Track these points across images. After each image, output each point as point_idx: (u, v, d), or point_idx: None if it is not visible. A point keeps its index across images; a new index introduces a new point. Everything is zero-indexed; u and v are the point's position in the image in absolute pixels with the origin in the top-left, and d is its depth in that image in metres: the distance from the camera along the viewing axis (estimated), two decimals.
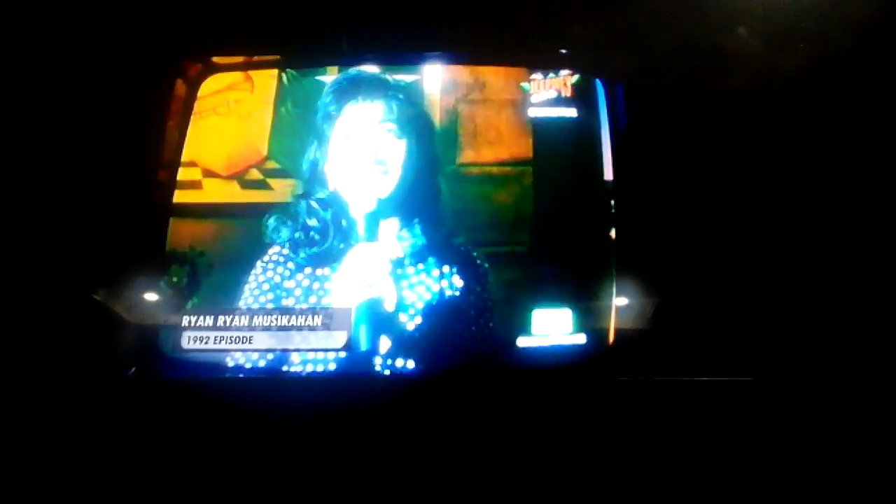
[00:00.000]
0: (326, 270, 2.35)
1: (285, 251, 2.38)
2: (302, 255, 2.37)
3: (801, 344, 2.23)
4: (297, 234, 2.38)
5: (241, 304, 2.32)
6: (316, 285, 2.34)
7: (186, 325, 2.27)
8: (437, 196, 2.43)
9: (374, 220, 2.37)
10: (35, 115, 2.45)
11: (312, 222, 2.38)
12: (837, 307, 2.26)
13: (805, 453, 2.08)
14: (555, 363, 2.28)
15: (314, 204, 2.40)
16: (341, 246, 2.37)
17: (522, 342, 2.31)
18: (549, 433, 2.14)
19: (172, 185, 2.47)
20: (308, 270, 2.36)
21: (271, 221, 2.40)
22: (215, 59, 2.58)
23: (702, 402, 2.14)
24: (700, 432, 2.12)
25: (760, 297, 2.30)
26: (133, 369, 2.27)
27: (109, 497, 2.09)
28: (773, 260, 2.33)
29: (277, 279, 2.35)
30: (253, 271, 2.36)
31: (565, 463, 2.11)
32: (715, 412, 2.13)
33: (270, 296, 2.33)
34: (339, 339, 2.25)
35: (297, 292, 2.33)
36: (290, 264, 2.36)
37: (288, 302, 2.32)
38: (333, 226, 2.37)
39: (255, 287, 2.34)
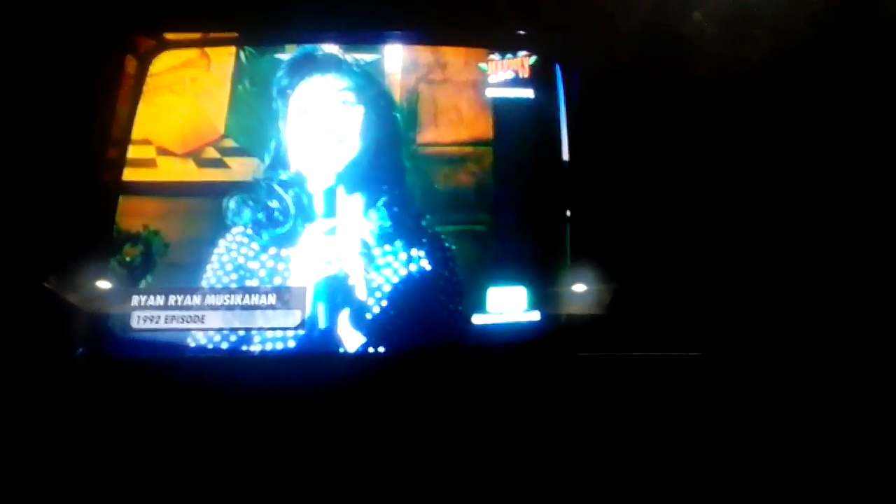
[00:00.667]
0: (291, 251, 2.32)
1: (248, 232, 2.34)
2: (265, 236, 2.33)
3: (748, 319, 2.29)
4: (259, 216, 2.35)
5: (204, 283, 2.28)
6: (281, 266, 2.30)
7: (136, 304, 2.22)
8: (403, 174, 2.42)
9: (335, 196, 2.35)
10: None
11: (274, 203, 2.35)
12: (786, 283, 2.32)
13: (752, 426, 2.13)
14: (509, 340, 2.31)
15: (275, 185, 2.37)
16: (304, 226, 2.35)
17: (478, 319, 2.32)
18: (505, 410, 2.15)
19: (122, 163, 2.41)
20: (272, 251, 2.32)
21: (232, 203, 2.36)
22: (168, 35, 2.52)
23: (652, 377, 2.18)
24: (650, 406, 2.15)
25: (710, 275, 2.35)
26: (81, 349, 2.22)
27: (57, 479, 2.04)
28: (722, 238, 2.39)
29: (241, 260, 2.31)
30: (216, 251, 2.32)
31: (522, 439, 2.12)
32: (665, 386, 2.17)
33: (234, 276, 2.29)
34: (294, 317, 2.23)
35: (262, 273, 2.30)
36: (254, 245, 2.33)
37: (252, 283, 2.28)
38: (296, 206, 2.35)
39: (219, 268, 2.30)
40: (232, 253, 2.32)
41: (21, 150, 2.35)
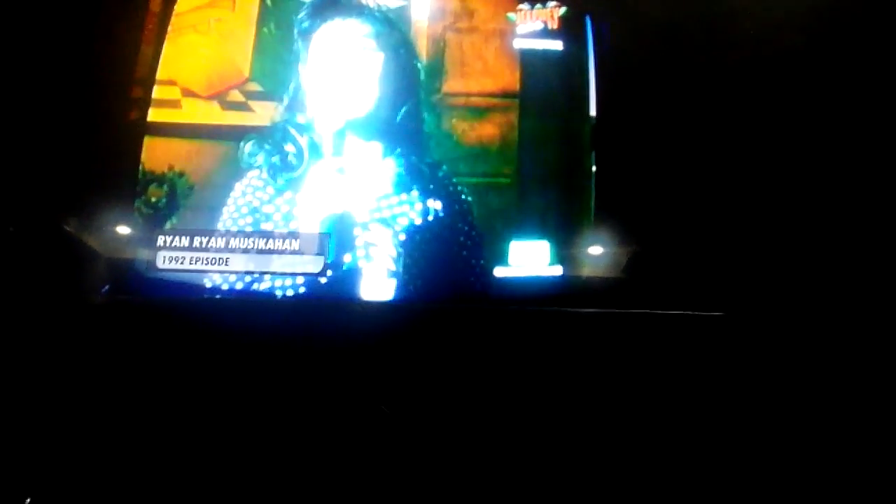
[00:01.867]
0: (305, 195, 2.32)
1: (264, 175, 2.34)
2: (280, 179, 2.34)
3: (771, 280, 2.28)
4: (274, 159, 2.35)
5: (220, 226, 2.30)
6: (296, 210, 2.31)
7: (162, 244, 2.23)
8: (420, 124, 2.41)
9: (352, 142, 2.34)
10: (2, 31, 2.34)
11: (290, 147, 2.35)
12: (808, 246, 2.31)
13: (774, 387, 2.14)
14: (531, 294, 2.31)
15: (291, 129, 2.36)
16: (329, 169, 2.35)
17: (500, 272, 2.33)
18: (523, 364, 2.16)
19: (147, 102, 2.41)
20: (288, 195, 2.33)
21: (248, 146, 2.36)
22: None
23: (672, 336, 2.19)
24: (670, 365, 2.17)
25: (734, 234, 2.34)
26: (107, 288, 2.23)
27: (82, 421, 2.07)
28: (747, 199, 2.37)
29: (256, 203, 2.32)
30: (232, 194, 2.33)
31: (540, 395, 2.14)
32: (685, 345, 2.18)
33: (249, 219, 2.31)
34: (316, 263, 2.24)
35: (277, 217, 2.31)
36: (270, 189, 2.33)
37: (267, 226, 2.30)
38: (311, 150, 2.34)
39: (234, 210, 2.31)
40: (248, 196, 2.33)
41: (46, 89, 2.33)
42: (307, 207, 2.31)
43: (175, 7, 2.46)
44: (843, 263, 2.28)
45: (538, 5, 2.50)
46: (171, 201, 2.33)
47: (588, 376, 2.16)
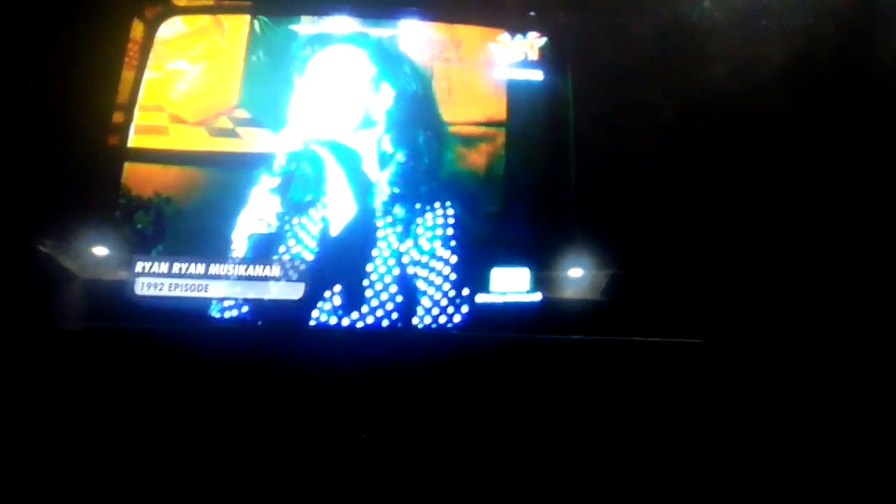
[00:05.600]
0: (306, 219, 2.33)
1: (269, 200, 2.34)
2: (282, 205, 2.34)
3: (750, 308, 2.31)
4: (277, 185, 2.36)
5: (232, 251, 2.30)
6: (294, 237, 2.32)
7: (141, 271, 2.22)
8: (416, 148, 2.42)
9: (346, 166, 2.36)
10: None
11: (293, 173, 2.36)
12: (788, 273, 2.36)
13: (749, 414, 2.16)
14: (510, 320, 2.32)
15: (293, 154, 2.37)
16: (321, 195, 2.36)
17: (481, 298, 2.33)
18: (501, 391, 2.16)
19: (128, 127, 2.40)
20: (295, 220, 2.33)
21: (253, 172, 2.37)
22: (176, 0, 2.51)
23: (652, 363, 2.21)
24: (648, 392, 2.18)
25: (713, 263, 2.37)
26: (84, 315, 2.19)
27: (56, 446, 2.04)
28: (726, 227, 2.40)
29: (263, 228, 2.33)
30: (238, 219, 2.33)
31: (517, 421, 2.14)
32: (664, 372, 2.20)
33: (251, 244, 2.31)
34: (296, 290, 2.24)
35: (278, 242, 2.32)
36: (272, 214, 2.33)
37: (268, 252, 2.31)
38: (311, 176, 2.35)
39: (241, 236, 2.32)
40: (253, 221, 2.32)
41: (26, 113, 2.33)
42: (304, 233, 2.32)
43: (163, 34, 2.47)
44: (823, 291, 2.32)
45: (518, 36, 2.54)
46: (157, 227, 2.31)
47: (564, 404, 2.16)
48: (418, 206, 2.35)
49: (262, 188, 2.34)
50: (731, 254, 2.38)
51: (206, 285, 2.23)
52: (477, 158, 2.47)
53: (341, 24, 2.49)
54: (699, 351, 2.25)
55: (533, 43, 2.54)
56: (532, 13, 2.58)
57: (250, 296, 2.24)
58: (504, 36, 2.54)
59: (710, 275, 2.36)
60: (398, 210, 2.33)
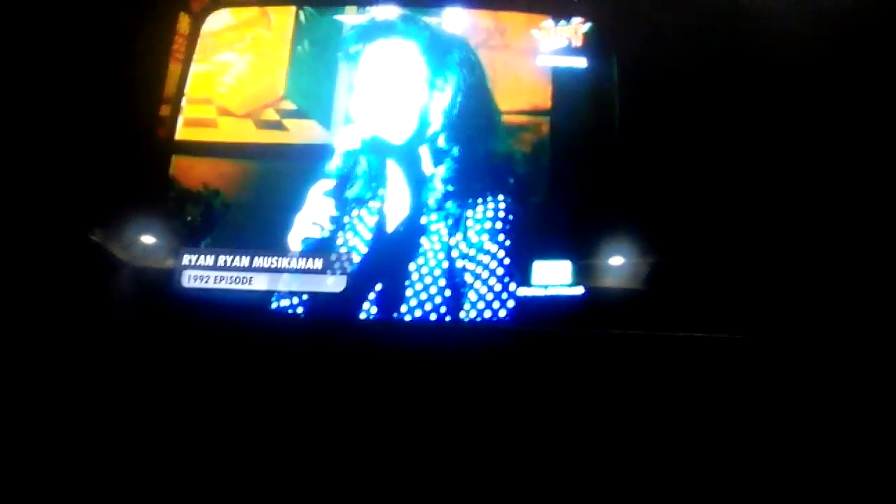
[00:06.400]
0: (359, 215, 2.33)
1: (327, 192, 2.34)
2: (339, 206, 2.34)
3: (795, 304, 2.25)
4: (334, 186, 2.35)
5: (292, 233, 2.31)
6: (355, 229, 2.32)
7: (187, 263, 2.26)
8: (470, 140, 2.38)
9: (399, 162, 2.35)
10: (33, 51, 2.38)
11: (348, 166, 2.35)
12: (834, 270, 2.30)
13: (793, 409, 2.12)
14: (553, 314, 2.29)
15: (349, 153, 2.36)
16: (375, 189, 2.35)
17: (523, 292, 2.30)
18: (545, 385, 2.15)
19: (174, 120, 2.44)
20: (354, 212, 2.33)
21: (302, 164, 2.38)
22: None
23: (694, 358, 2.17)
24: (692, 387, 2.15)
25: (758, 258, 2.32)
26: (132, 306, 2.26)
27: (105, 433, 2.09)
28: (775, 221, 2.34)
29: (316, 232, 2.33)
30: (294, 220, 2.34)
31: (558, 416, 2.13)
32: (706, 368, 2.16)
33: (316, 227, 2.32)
34: (339, 282, 2.26)
35: (333, 234, 2.32)
36: (327, 207, 2.34)
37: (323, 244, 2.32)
38: (365, 171, 2.35)
39: (299, 227, 2.32)
40: (312, 213, 2.33)
41: (73, 108, 2.37)
42: (357, 227, 2.33)
43: (210, 26, 2.49)
44: (870, 288, 2.25)
45: (563, 22, 2.49)
46: (206, 220, 2.35)
47: (603, 399, 2.14)
48: (469, 199, 2.32)
49: (317, 190, 2.33)
50: (778, 248, 2.32)
51: (251, 277, 2.26)
52: (522, 148, 2.43)
53: (387, 12, 2.46)
54: (744, 347, 2.20)
55: (577, 28, 2.49)
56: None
57: (294, 288, 2.26)
58: (548, 22, 2.49)
59: (757, 269, 2.31)
60: (450, 205, 2.31)
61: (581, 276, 2.33)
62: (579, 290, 2.32)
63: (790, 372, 2.15)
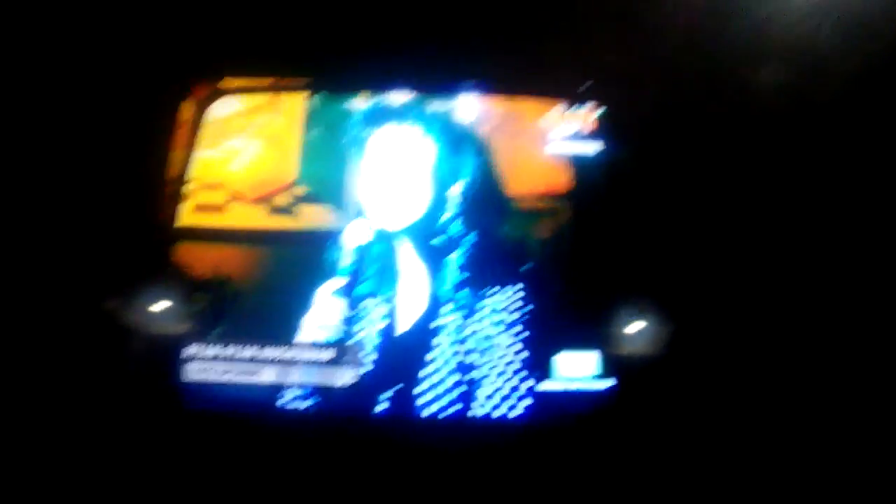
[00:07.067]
0: (374, 304, 2.25)
1: (337, 292, 2.26)
2: (351, 294, 2.26)
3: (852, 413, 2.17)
4: (348, 266, 2.27)
5: (300, 336, 2.23)
6: (371, 319, 2.24)
7: (192, 355, 2.17)
8: (487, 232, 2.32)
9: (414, 250, 2.28)
10: (40, 137, 2.35)
11: (359, 261, 2.27)
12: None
13: None
14: (578, 408, 2.19)
15: (356, 236, 2.29)
16: (387, 281, 2.28)
17: (545, 386, 2.20)
18: (569, 489, 2.07)
19: (176, 204, 2.38)
20: (365, 302, 2.25)
21: (329, 253, 2.30)
22: (225, 82, 2.50)
23: (727, 464, 2.08)
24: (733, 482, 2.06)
25: (793, 346, 2.25)
26: (136, 400, 2.16)
27: None
28: (813, 307, 2.29)
29: (334, 311, 2.24)
30: (310, 303, 2.26)
31: None
32: (745, 461, 2.08)
33: (327, 328, 2.23)
34: (348, 375, 2.16)
35: (344, 326, 2.23)
36: (342, 305, 2.25)
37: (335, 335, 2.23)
38: (379, 261, 2.28)
39: (310, 321, 2.24)
40: (319, 307, 2.24)
41: (75, 193, 2.32)
42: (375, 316, 2.25)
43: (218, 112, 2.47)
44: None
45: (574, 107, 2.48)
46: (216, 308, 2.26)
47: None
48: (483, 289, 2.25)
49: (327, 288, 2.25)
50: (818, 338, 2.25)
51: (258, 370, 2.17)
52: (539, 233, 2.37)
53: (399, 97, 2.44)
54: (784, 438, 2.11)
55: (590, 113, 2.47)
56: (589, 83, 2.51)
57: (302, 381, 2.17)
58: (561, 107, 2.48)
59: (797, 361, 2.22)
60: (463, 294, 2.23)
61: (608, 366, 2.23)
62: (607, 384, 2.21)
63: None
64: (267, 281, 2.30)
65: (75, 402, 2.12)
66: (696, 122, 2.43)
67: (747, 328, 2.26)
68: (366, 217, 2.30)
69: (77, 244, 2.27)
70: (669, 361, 2.23)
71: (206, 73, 2.48)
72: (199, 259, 2.33)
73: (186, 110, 2.46)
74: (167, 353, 2.19)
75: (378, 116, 2.38)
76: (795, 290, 2.30)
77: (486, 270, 2.26)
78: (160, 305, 2.25)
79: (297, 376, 2.17)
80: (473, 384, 2.15)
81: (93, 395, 2.13)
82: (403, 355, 2.18)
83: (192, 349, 2.18)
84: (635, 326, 2.29)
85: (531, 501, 2.05)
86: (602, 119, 2.47)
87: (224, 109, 2.48)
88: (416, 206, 2.28)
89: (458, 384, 2.15)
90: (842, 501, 2.05)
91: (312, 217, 2.38)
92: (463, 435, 2.12)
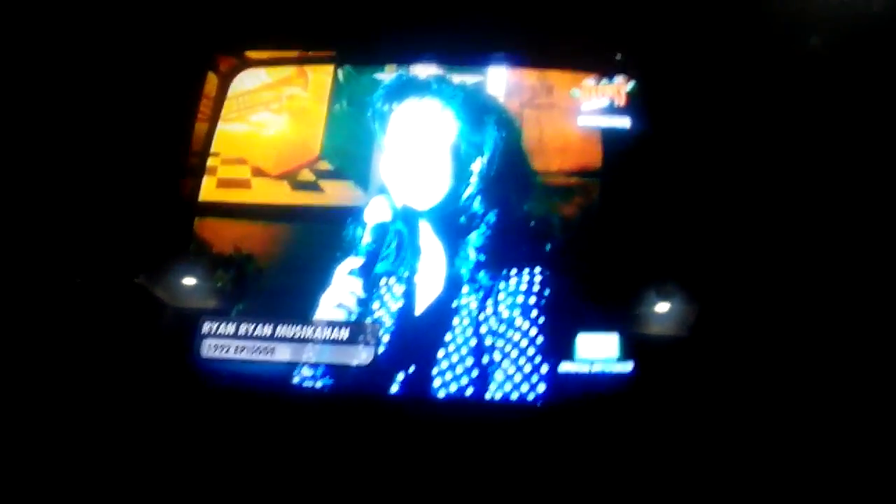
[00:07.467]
0: (392, 282, 2.22)
1: (354, 271, 2.19)
2: (370, 273, 2.20)
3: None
4: (368, 245, 2.21)
5: (317, 315, 2.18)
6: (389, 297, 2.21)
7: (207, 332, 2.17)
8: (510, 210, 2.24)
9: (430, 230, 2.23)
10: (63, 110, 2.38)
11: (379, 239, 2.21)
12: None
13: None
14: (598, 391, 2.11)
15: (377, 214, 2.23)
16: (407, 259, 2.23)
17: (565, 367, 2.12)
18: (586, 470, 2.03)
19: (199, 181, 2.38)
20: (383, 281, 2.22)
21: (349, 230, 2.26)
22: (250, 53, 2.47)
23: (748, 442, 2.02)
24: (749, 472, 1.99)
25: (813, 333, 2.14)
26: (150, 374, 2.17)
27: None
28: (840, 294, 2.18)
29: (346, 291, 2.19)
30: (328, 282, 2.21)
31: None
32: (764, 452, 2.01)
33: (342, 310, 2.18)
34: (365, 354, 2.13)
35: (363, 305, 2.18)
36: (360, 284, 2.19)
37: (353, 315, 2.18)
38: (399, 240, 2.23)
39: (327, 300, 2.19)
40: (336, 286, 2.19)
41: (97, 167, 2.36)
42: (385, 298, 2.21)
43: (244, 85, 2.46)
44: None
45: (605, 80, 2.38)
46: (238, 285, 2.26)
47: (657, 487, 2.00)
48: (503, 271, 2.17)
49: (345, 267, 2.18)
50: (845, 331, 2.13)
51: (273, 348, 2.16)
52: (569, 212, 2.29)
53: (426, 70, 2.38)
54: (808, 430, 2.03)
55: (620, 87, 2.37)
56: (619, 56, 2.41)
57: (318, 360, 2.14)
58: (591, 80, 2.38)
59: (819, 349, 2.12)
60: (482, 275, 2.16)
61: (628, 350, 2.15)
62: (628, 367, 2.14)
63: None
64: (288, 258, 2.28)
65: (94, 376, 2.15)
66: (732, 100, 2.32)
67: (777, 315, 2.17)
68: (387, 194, 2.25)
69: (99, 219, 2.29)
70: (694, 345, 2.15)
71: (231, 45, 2.46)
72: (221, 235, 2.32)
73: (210, 83, 2.45)
74: (186, 330, 2.19)
75: (401, 90, 2.30)
76: (830, 276, 2.19)
77: (507, 250, 2.18)
78: (182, 281, 2.26)
79: (313, 355, 2.14)
80: (492, 365, 2.09)
81: (111, 371, 2.16)
82: (421, 335, 2.13)
83: (210, 326, 2.17)
84: (660, 308, 2.21)
85: (548, 483, 2.01)
86: (633, 93, 2.37)
87: (249, 82, 2.46)
88: (437, 184, 2.21)
89: (475, 365, 2.09)
90: (867, 486, 1.96)
91: (336, 193, 2.35)
92: (479, 416, 2.08)
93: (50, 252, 2.27)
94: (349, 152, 2.37)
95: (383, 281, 2.21)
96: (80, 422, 2.10)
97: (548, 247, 2.22)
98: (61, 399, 2.11)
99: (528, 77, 2.41)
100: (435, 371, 2.10)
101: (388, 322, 2.16)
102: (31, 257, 2.27)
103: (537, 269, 2.17)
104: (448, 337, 2.12)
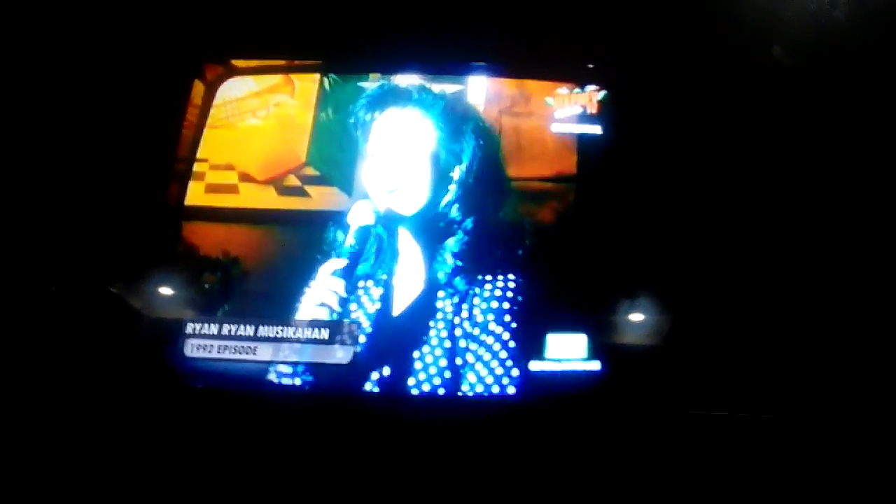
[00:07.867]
0: (371, 284, 2.29)
1: (337, 273, 2.26)
2: (351, 275, 2.27)
3: (823, 383, 2.16)
4: (343, 250, 2.29)
5: (300, 314, 2.26)
6: (367, 299, 2.28)
7: (191, 332, 2.24)
8: (487, 216, 2.32)
9: (409, 234, 2.32)
10: (50, 116, 2.44)
11: (361, 242, 2.29)
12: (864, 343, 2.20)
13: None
14: (567, 390, 2.18)
15: (359, 218, 2.30)
16: (386, 263, 2.31)
17: (535, 366, 2.19)
18: (556, 467, 2.10)
19: (184, 187, 2.44)
20: (362, 283, 2.29)
21: (332, 233, 2.34)
22: (236, 62, 2.54)
23: (717, 439, 2.10)
24: (712, 470, 2.07)
25: (783, 334, 2.22)
26: (133, 374, 2.23)
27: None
28: (803, 301, 2.25)
29: (326, 293, 2.26)
30: (311, 282, 2.28)
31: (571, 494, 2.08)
32: (729, 449, 2.09)
33: (325, 309, 2.25)
34: (345, 353, 2.20)
35: (341, 307, 2.25)
36: (341, 285, 2.26)
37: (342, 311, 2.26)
38: (379, 244, 2.31)
39: (309, 299, 2.26)
40: (319, 286, 2.26)
41: (85, 172, 2.43)
42: (364, 300, 2.28)
43: (231, 92, 2.52)
44: None
45: (577, 90, 2.45)
46: (224, 287, 2.33)
47: (624, 481, 2.08)
48: (478, 276, 2.25)
49: (327, 269, 2.26)
50: (818, 322, 2.22)
51: (255, 348, 2.22)
52: (543, 217, 2.37)
53: (408, 80, 2.45)
54: (770, 427, 2.12)
55: (591, 96, 2.44)
56: (591, 65, 2.49)
57: (299, 359, 2.21)
58: (562, 89, 2.45)
59: (789, 345, 2.20)
60: (458, 280, 2.24)
61: (595, 350, 2.22)
62: (595, 366, 2.21)
63: (818, 455, 2.06)
64: (274, 261, 2.35)
65: (79, 379, 2.21)
66: (700, 108, 2.40)
67: (748, 318, 2.25)
68: (369, 199, 2.33)
69: (86, 224, 2.36)
70: (661, 344, 2.24)
71: (217, 53, 2.52)
72: (209, 239, 2.38)
73: (197, 90, 2.51)
74: (171, 331, 2.25)
75: (383, 100, 2.38)
76: (803, 284, 2.27)
77: (483, 255, 2.26)
78: (169, 284, 2.32)
79: (294, 354, 2.21)
80: (465, 364, 2.16)
81: (96, 374, 2.21)
82: (398, 336, 2.20)
83: (194, 326, 2.24)
84: (628, 310, 2.28)
85: (520, 477, 2.08)
86: (604, 102, 2.44)
87: (237, 90, 2.52)
88: (417, 191, 2.29)
89: (450, 364, 2.17)
90: (836, 496, 2.04)
91: (321, 198, 2.41)
92: (453, 412, 2.15)
93: (39, 254, 2.34)
94: (334, 159, 2.44)
95: (362, 283, 2.28)
96: (63, 420, 2.15)
97: (521, 252, 2.30)
98: (46, 397, 2.18)
99: (507, 86, 2.48)
100: (410, 370, 2.17)
101: (366, 323, 2.23)
102: (19, 262, 2.33)
103: (512, 273, 2.25)
104: (425, 337, 2.19)
